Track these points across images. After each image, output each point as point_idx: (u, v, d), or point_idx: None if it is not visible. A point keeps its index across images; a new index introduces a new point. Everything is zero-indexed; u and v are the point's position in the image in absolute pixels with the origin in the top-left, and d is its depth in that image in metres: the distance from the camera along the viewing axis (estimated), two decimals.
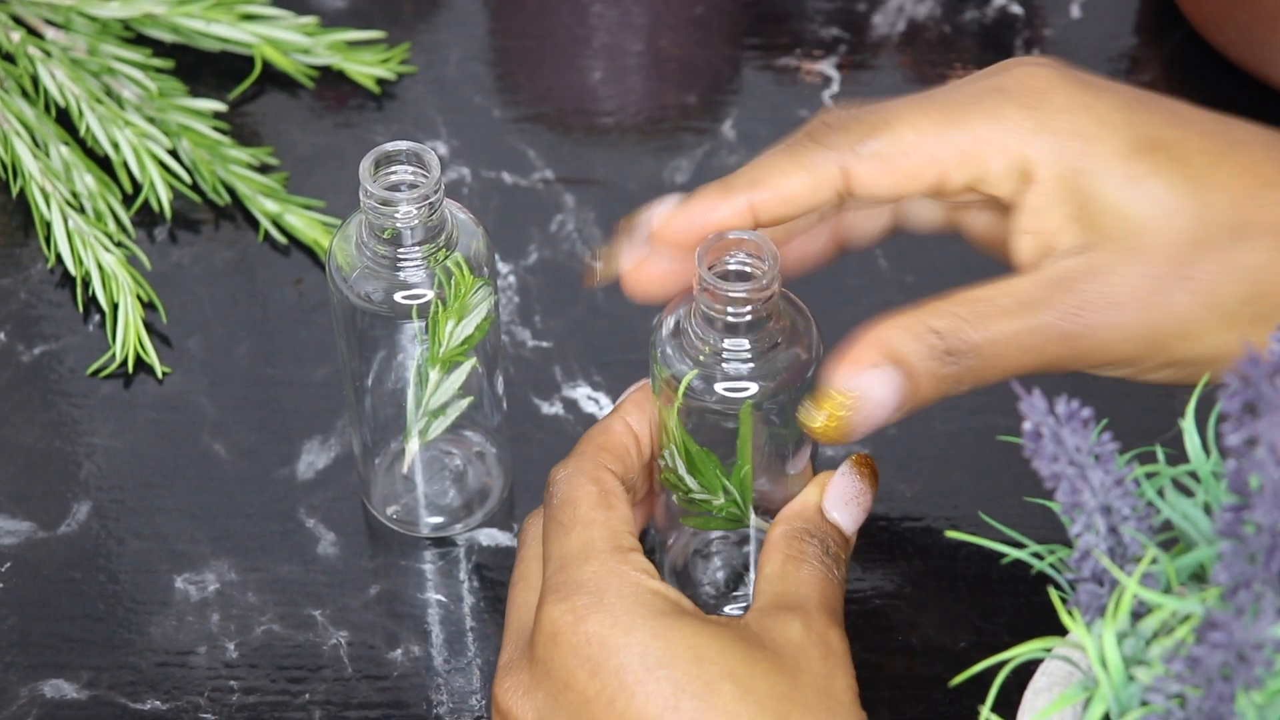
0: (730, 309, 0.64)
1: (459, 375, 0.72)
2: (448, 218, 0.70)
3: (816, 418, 0.63)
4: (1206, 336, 0.63)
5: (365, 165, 0.68)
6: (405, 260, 0.69)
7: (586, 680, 0.61)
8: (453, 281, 0.70)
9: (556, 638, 0.62)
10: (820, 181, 0.64)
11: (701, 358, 0.65)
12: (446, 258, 0.69)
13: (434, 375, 0.72)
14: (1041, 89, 0.63)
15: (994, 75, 0.64)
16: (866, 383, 0.63)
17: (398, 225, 0.68)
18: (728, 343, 0.65)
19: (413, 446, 0.74)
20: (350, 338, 0.72)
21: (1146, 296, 0.62)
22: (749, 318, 0.64)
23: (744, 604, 0.73)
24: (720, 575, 0.74)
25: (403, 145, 0.69)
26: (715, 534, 0.73)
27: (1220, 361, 0.63)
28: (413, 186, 0.69)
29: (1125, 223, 0.62)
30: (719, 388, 0.66)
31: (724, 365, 0.65)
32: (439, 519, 0.77)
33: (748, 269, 0.64)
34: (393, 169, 0.69)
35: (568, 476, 0.66)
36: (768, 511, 0.69)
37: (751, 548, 0.71)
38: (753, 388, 0.65)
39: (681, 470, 0.68)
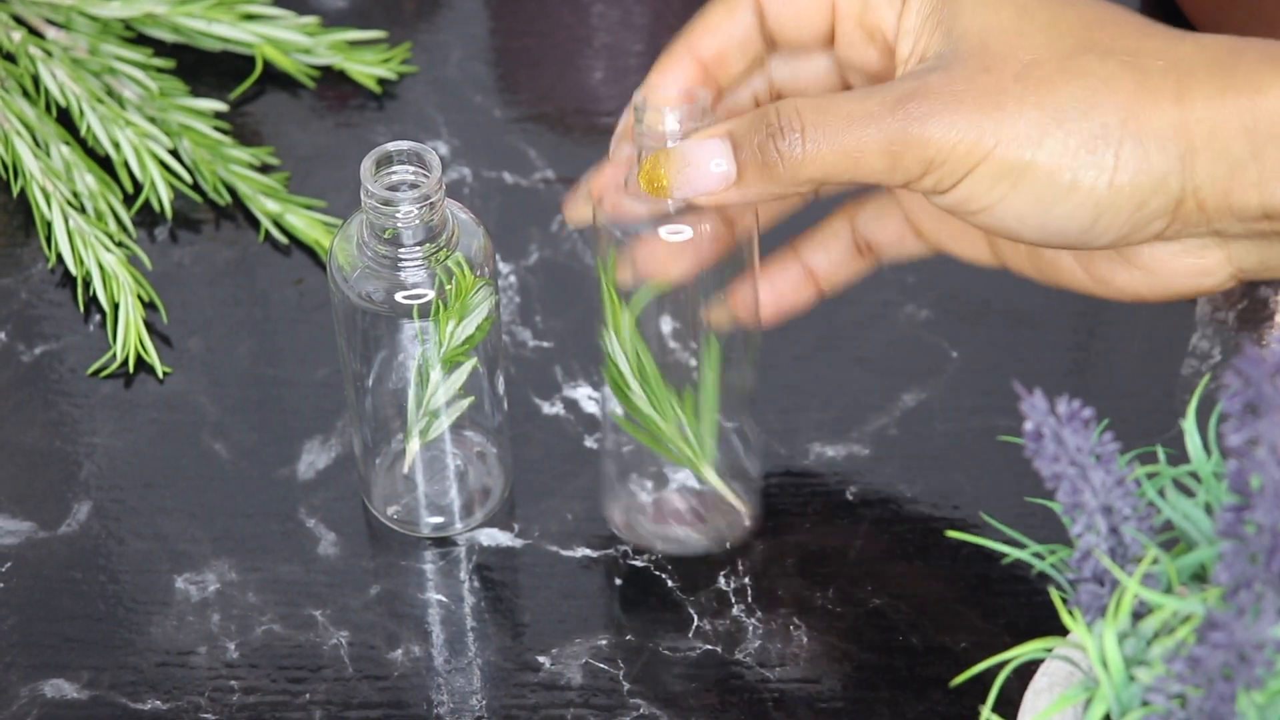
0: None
1: (460, 375, 0.72)
2: (449, 218, 0.70)
3: (645, 173, 0.66)
4: (1036, 141, 0.62)
5: (366, 165, 0.69)
6: (406, 260, 0.69)
7: None
8: (454, 281, 0.70)
9: None
10: (735, 7, 0.69)
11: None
12: (447, 258, 0.69)
13: (435, 375, 0.72)
14: None
15: None
16: (699, 149, 0.66)
17: (398, 225, 0.68)
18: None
19: (413, 446, 0.74)
20: (351, 337, 0.72)
21: (979, 92, 0.63)
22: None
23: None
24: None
25: (403, 145, 0.69)
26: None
27: (1050, 174, 0.63)
28: (413, 186, 0.69)
29: (979, 35, 0.64)
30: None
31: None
32: (439, 519, 0.77)
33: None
34: (393, 169, 0.69)
35: None
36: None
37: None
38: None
39: (630, 377, 0.69)
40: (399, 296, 0.70)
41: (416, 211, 0.68)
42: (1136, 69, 0.63)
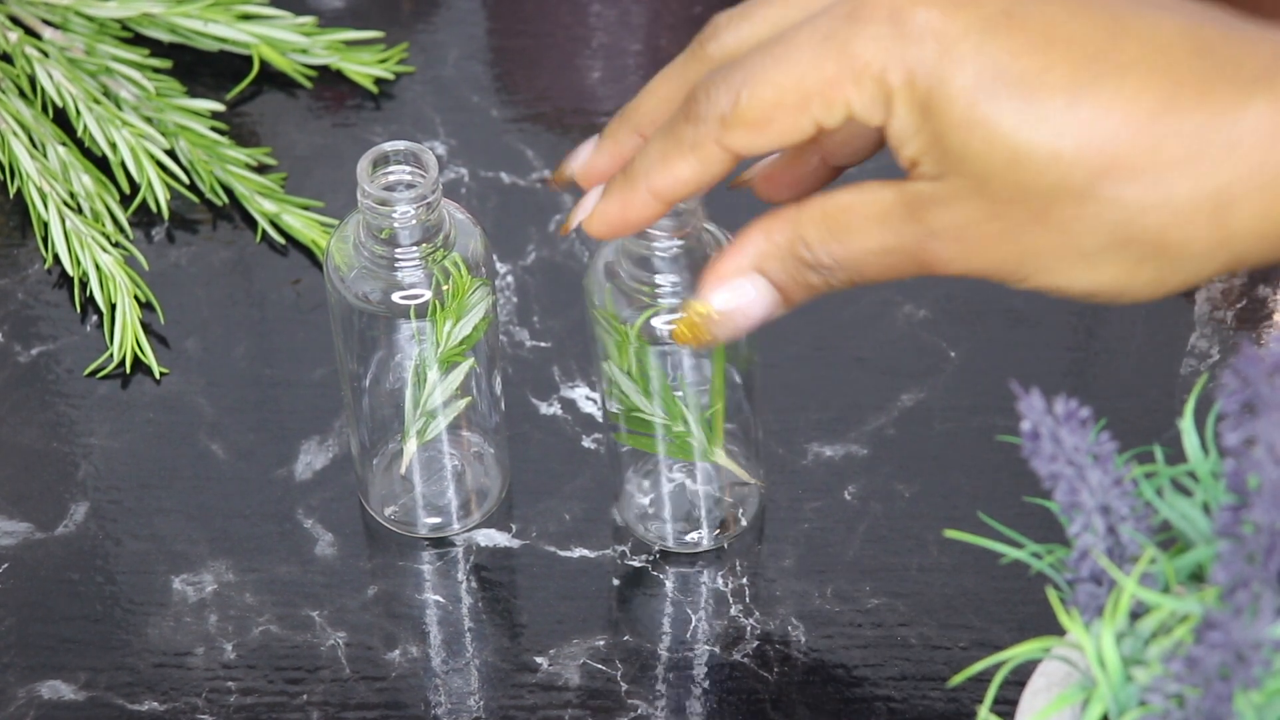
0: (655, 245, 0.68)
1: (457, 375, 0.72)
2: (445, 217, 0.70)
3: (681, 326, 0.64)
4: (1071, 275, 0.60)
5: (363, 165, 0.68)
6: (403, 260, 0.69)
7: None
8: (450, 281, 0.69)
9: None
10: (707, 162, 0.63)
11: (644, 297, 0.69)
12: (444, 258, 0.69)
13: (432, 375, 0.72)
14: (892, 13, 0.59)
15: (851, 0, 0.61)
16: (736, 299, 0.63)
17: (395, 225, 0.68)
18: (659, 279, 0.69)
19: (410, 447, 0.74)
20: (348, 338, 0.72)
21: (994, 235, 0.60)
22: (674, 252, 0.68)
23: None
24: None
25: (400, 145, 0.69)
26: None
27: (1100, 297, 0.60)
28: (410, 186, 0.69)
29: (969, 164, 0.59)
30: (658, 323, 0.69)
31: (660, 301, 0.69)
32: (437, 519, 0.77)
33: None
34: (390, 169, 0.69)
35: None
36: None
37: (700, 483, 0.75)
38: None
39: (638, 397, 0.70)
40: (396, 296, 0.70)
41: (413, 211, 0.68)
42: (1162, 196, 0.58)
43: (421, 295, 0.70)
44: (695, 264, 0.68)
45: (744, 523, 0.76)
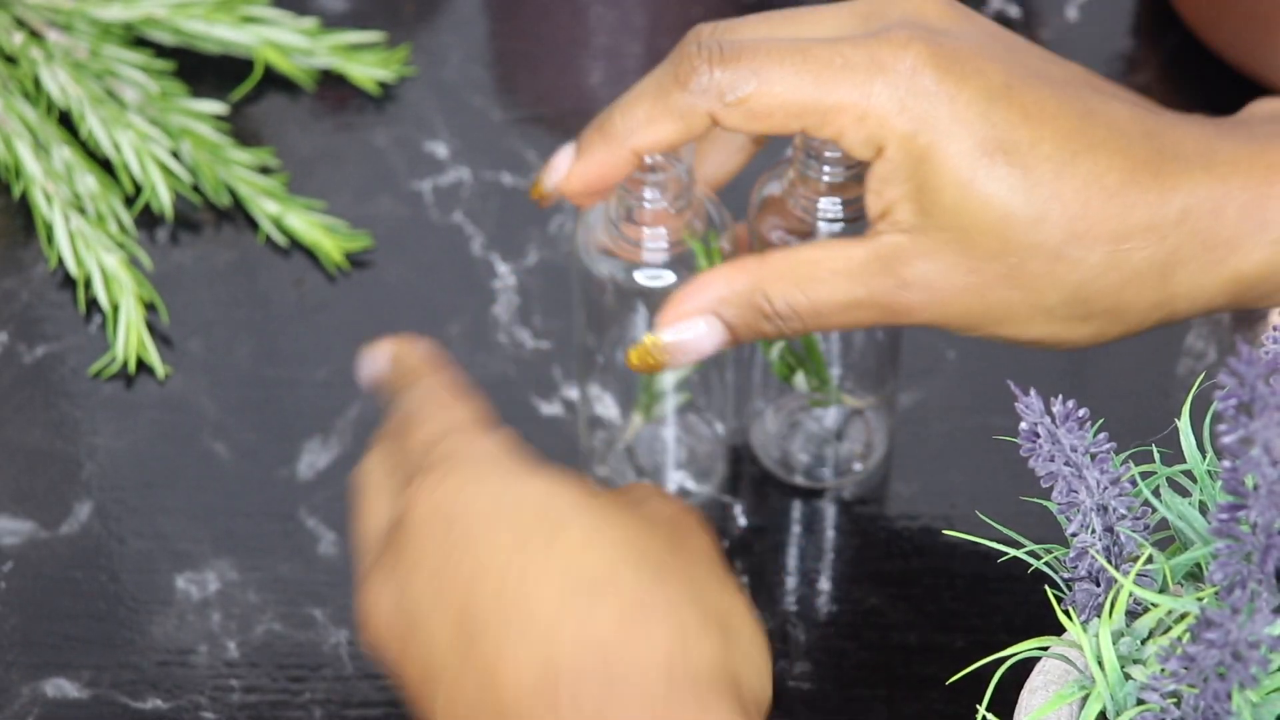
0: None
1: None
2: (695, 202, 0.71)
3: (633, 354, 0.68)
4: (1027, 327, 0.66)
5: None
6: (650, 244, 0.70)
7: (437, 546, 0.59)
8: (694, 265, 0.71)
9: (411, 511, 0.60)
10: (691, 127, 0.66)
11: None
12: (691, 240, 0.70)
13: None
14: (912, 69, 0.64)
15: (875, 40, 0.65)
16: (686, 334, 0.67)
17: (645, 206, 0.69)
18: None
19: (636, 422, 0.76)
20: (590, 313, 0.73)
21: (965, 288, 0.65)
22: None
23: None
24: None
25: None
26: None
27: (1044, 345, 0.66)
28: (662, 169, 0.69)
29: (957, 218, 0.64)
30: None
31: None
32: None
33: None
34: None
35: (412, 398, 0.67)
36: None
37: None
38: None
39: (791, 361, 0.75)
40: (639, 277, 0.71)
41: (663, 195, 0.69)
42: (1121, 259, 0.64)
43: (664, 278, 0.71)
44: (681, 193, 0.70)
45: (865, 467, 0.79)
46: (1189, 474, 0.58)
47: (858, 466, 0.78)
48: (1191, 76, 0.92)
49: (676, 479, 0.78)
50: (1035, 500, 0.60)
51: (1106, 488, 0.55)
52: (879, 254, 0.65)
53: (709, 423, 0.79)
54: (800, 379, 0.75)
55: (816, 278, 0.66)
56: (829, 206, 0.69)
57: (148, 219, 0.88)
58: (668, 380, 0.75)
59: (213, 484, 0.79)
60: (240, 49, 0.92)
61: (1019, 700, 0.57)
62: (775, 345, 0.74)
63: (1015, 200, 0.63)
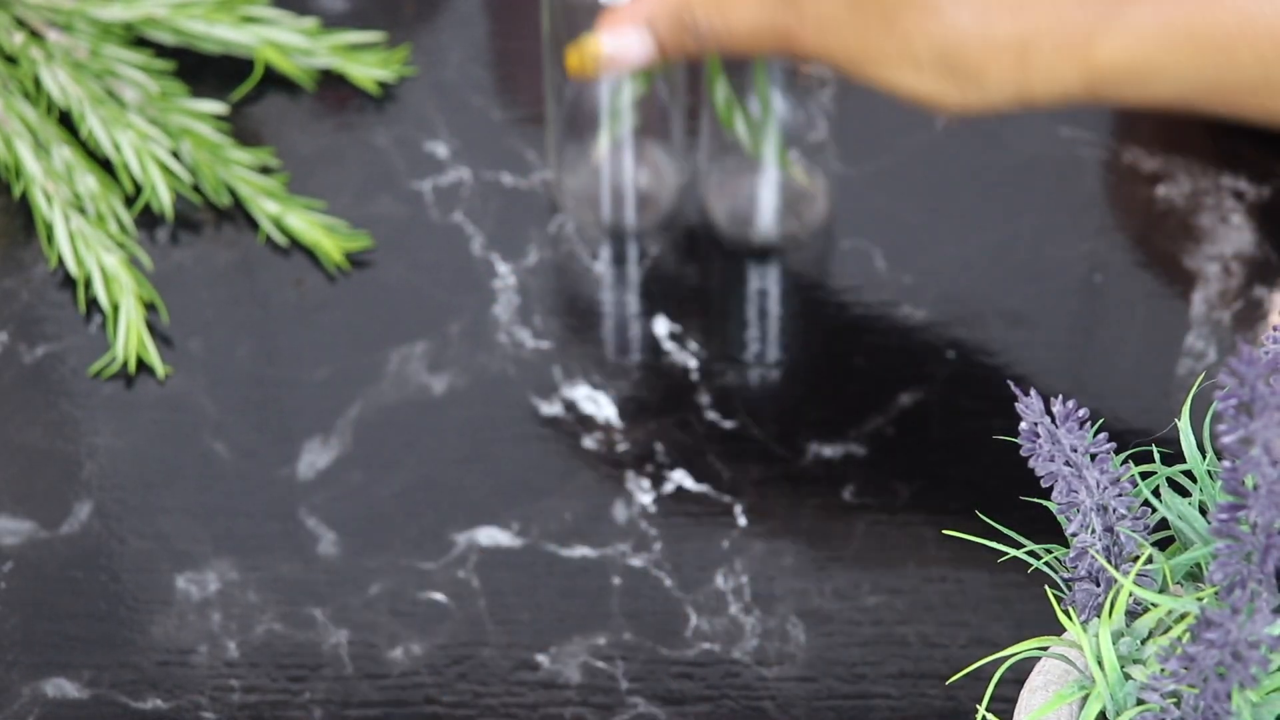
0: None
1: (644, 80, 0.82)
2: None
3: (572, 56, 0.78)
4: (898, 73, 0.73)
5: None
6: None
7: None
8: None
9: None
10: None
11: None
12: None
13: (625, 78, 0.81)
14: None
15: None
16: (622, 41, 0.78)
17: None
18: None
19: (604, 143, 0.83)
20: (557, 46, 0.80)
21: (852, 28, 0.73)
22: None
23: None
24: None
25: None
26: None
27: (916, 98, 0.74)
28: None
29: None
30: None
31: None
32: (618, 216, 0.86)
33: None
34: None
35: None
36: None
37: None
38: None
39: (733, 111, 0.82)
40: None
41: None
42: (986, 26, 0.72)
43: None
44: None
45: (807, 223, 0.86)
46: (1189, 474, 0.58)
47: (797, 227, 0.85)
48: None
49: (635, 201, 0.86)
50: (1035, 500, 0.60)
51: (1106, 488, 0.55)
52: None
53: (665, 153, 0.86)
54: (741, 126, 0.81)
55: (734, 4, 0.75)
56: None
57: (148, 219, 0.88)
58: (625, 100, 0.82)
59: (213, 484, 0.79)
60: (240, 49, 0.92)
61: (1019, 700, 0.57)
62: (720, 87, 0.81)
63: None
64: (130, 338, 0.83)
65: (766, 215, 0.85)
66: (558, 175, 0.86)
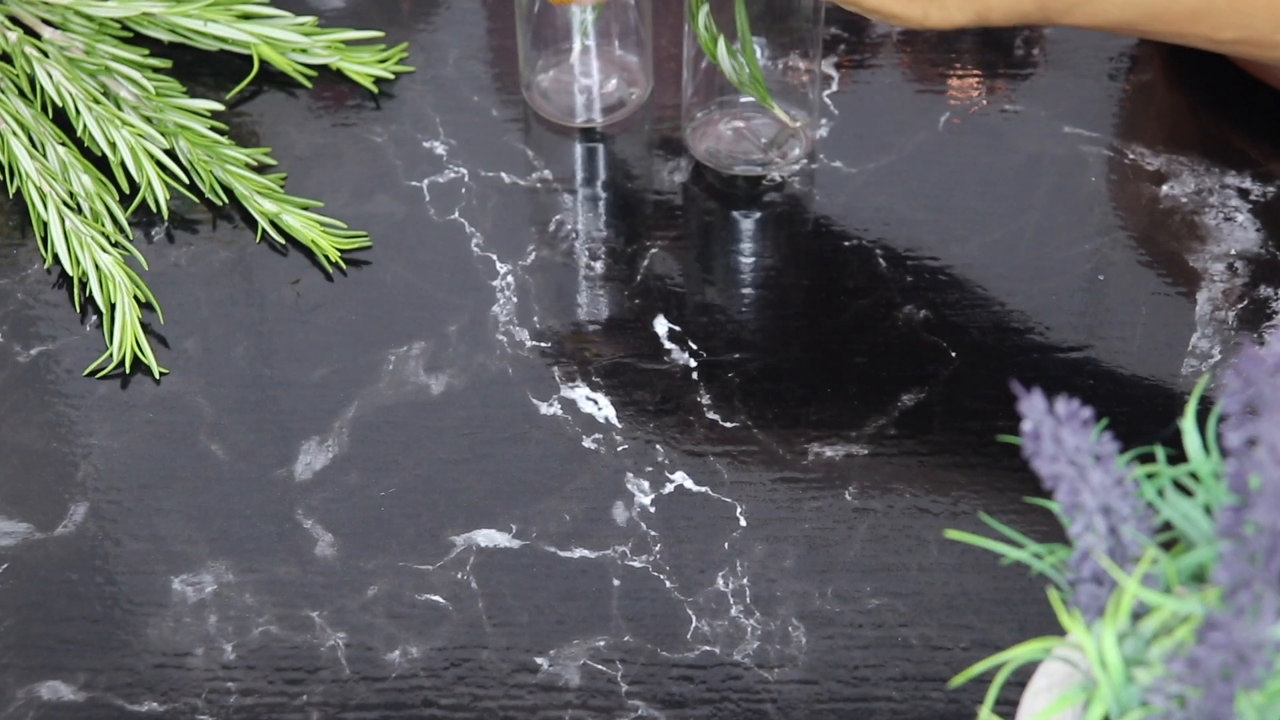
0: None
1: None
2: None
3: None
4: None
5: None
6: None
7: None
8: None
9: None
10: None
11: None
12: None
13: None
14: None
15: None
16: None
17: None
18: None
19: (578, 43, 0.87)
20: None
21: None
22: None
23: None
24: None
25: None
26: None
27: (881, 14, 0.76)
28: None
29: None
30: None
31: None
32: (588, 110, 0.90)
33: None
34: None
35: None
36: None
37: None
38: None
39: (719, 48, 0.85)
40: None
41: None
42: None
43: None
44: None
45: (792, 153, 0.89)
46: (1193, 475, 0.57)
47: (778, 158, 0.88)
48: (1194, 73, 0.92)
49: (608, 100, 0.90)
50: (1038, 501, 0.60)
51: (1110, 489, 0.55)
52: None
53: (629, 48, 0.90)
54: (723, 53, 0.84)
55: None
56: None
57: (144, 217, 0.87)
58: (591, 14, 0.87)
59: (209, 485, 0.79)
60: (237, 46, 0.92)
61: (1022, 702, 0.57)
62: (701, 14, 0.83)
63: None
64: (126, 337, 0.82)
65: (747, 146, 0.88)
66: (528, 77, 0.90)
